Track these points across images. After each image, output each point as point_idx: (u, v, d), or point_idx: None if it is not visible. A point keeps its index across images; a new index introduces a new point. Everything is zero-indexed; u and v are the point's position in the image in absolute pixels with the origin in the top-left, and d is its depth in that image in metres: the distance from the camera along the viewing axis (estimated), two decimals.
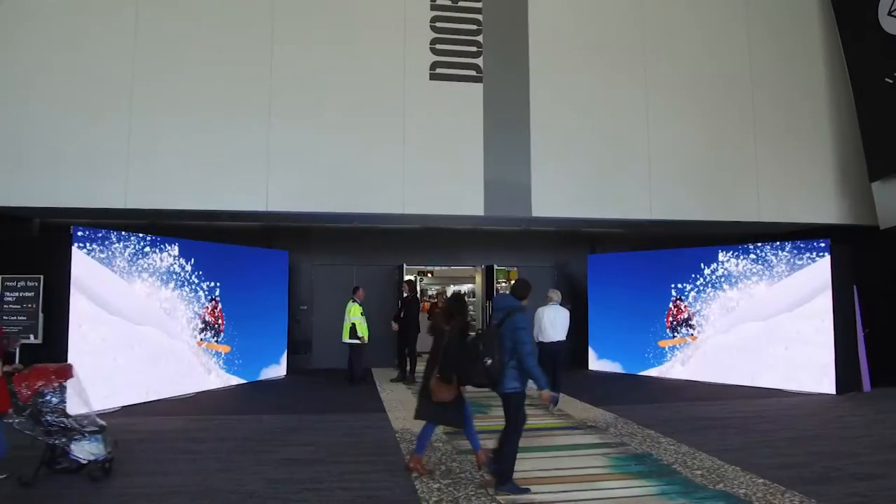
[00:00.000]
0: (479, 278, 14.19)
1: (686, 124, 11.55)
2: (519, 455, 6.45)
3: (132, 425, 7.87)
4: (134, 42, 10.17)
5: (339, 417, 8.52)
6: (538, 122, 11.10)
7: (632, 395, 10.34)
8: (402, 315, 11.80)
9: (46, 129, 9.89)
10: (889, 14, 10.43)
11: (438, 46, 10.99)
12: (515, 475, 5.50)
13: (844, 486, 5.56)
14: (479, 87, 11.02)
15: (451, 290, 22.64)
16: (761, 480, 5.71)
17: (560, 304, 9.37)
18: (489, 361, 5.30)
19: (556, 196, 11.10)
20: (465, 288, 23.17)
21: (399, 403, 9.60)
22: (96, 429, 5.80)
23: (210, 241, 10.75)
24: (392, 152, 10.71)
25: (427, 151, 10.78)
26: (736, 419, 8.39)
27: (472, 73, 11.04)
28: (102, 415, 8.27)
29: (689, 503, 5.21)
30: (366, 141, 10.68)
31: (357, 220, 12.19)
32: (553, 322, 9.17)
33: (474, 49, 11.09)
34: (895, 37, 10.38)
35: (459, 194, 10.84)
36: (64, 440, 5.59)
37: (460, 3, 11.10)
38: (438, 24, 11.02)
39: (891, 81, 10.52)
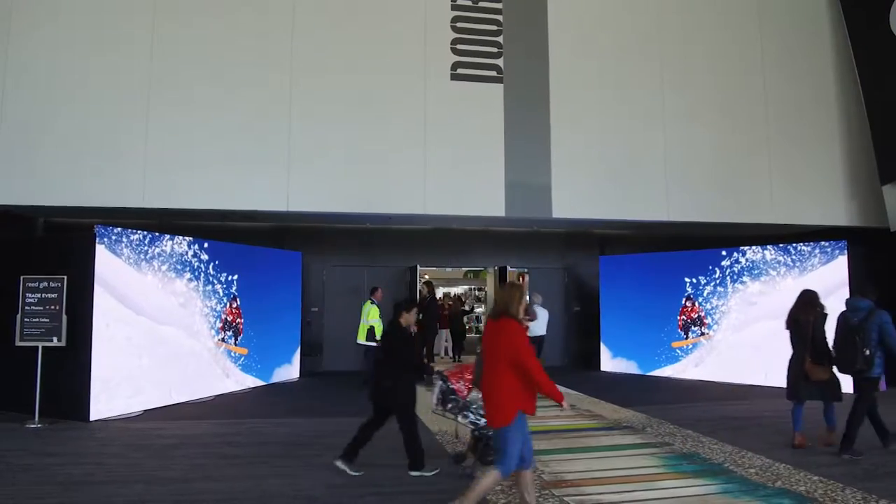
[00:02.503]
0: (490, 280, 14.17)
1: (702, 127, 11.66)
2: (569, 456, 6.60)
3: (161, 430, 7.71)
4: (152, 39, 9.97)
5: None
6: (558, 123, 11.11)
7: (654, 395, 10.38)
8: (420, 317, 11.71)
9: (61, 128, 9.67)
10: None
11: (459, 47, 10.95)
12: (567, 476, 5.80)
13: None
14: (499, 87, 11.00)
15: (439, 292, 22.58)
16: (816, 478, 5.76)
17: (541, 306, 11.66)
18: (867, 352, 6.50)
19: (576, 197, 11.12)
20: (455, 291, 23.04)
21: (426, 405, 9.49)
22: None
23: (220, 240, 10.54)
24: (413, 152, 10.64)
25: (448, 152, 10.73)
26: (767, 418, 8.47)
27: (493, 73, 11.01)
28: (124, 420, 8.16)
29: (754, 501, 5.23)
30: (387, 141, 10.60)
31: (378, 221, 12.05)
32: (538, 320, 11.43)
33: (495, 50, 11.07)
34: None
35: (481, 195, 10.81)
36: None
37: (480, 4, 11.08)
38: (459, 25, 10.98)
39: None
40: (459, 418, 6.02)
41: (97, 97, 9.77)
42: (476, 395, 5.98)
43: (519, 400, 4.37)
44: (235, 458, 6.43)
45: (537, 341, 11.37)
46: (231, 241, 10.80)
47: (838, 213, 11.88)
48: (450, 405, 6.05)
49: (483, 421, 5.87)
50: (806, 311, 6.95)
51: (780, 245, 11.12)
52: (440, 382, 6.14)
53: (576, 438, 7.36)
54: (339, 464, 5.92)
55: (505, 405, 4.36)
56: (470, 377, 6.00)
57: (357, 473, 5.84)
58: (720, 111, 11.75)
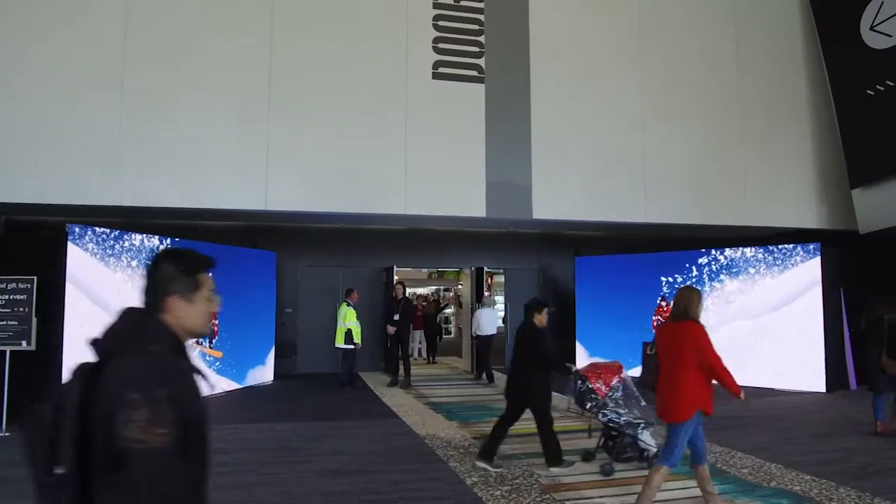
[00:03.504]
0: (467, 281, 14.11)
1: (679, 132, 11.75)
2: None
3: None
4: (125, 30, 9.57)
5: (355, 424, 8.25)
6: (538, 124, 11.05)
7: None
8: (396, 318, 11.53)
9: (25, 121, 9.18)
10: (871, 29, 10.92)
11: (441, 45, 10.81)
12: (565, 480, 5.78)
13: (888, 480, 5.73)
14: (481, 87, 10.89)
15: (408, 292, 22.18)
16: (808, 477, 5.83)
17: (489, 307, 12.56)
18: None
19: (556, 198, 11.07)
20: (420, 291, 22.72)
21: (409, 408, 9.38)
22: (644, 421, 6.21)
23: (193, 240, 10.17)
24: (394, 152, 10.44)
25: (429, 152, 10.56)
26: (749, 418, 8.57)
27: (475, 73, 10.90)
28: None
29: (753, 501, 5.26)
30: (367, 140, 10.37)
31: (354, 221, 11.82)
32: (488, 321, 12.09)
33: (476, 49, 10.97)
34: (877, 51, 10.88)
35: (462, 195, 10.67)
36: (631, 431, 6.11)
37: (462, 3, 10.96)
38: (441, 23, 10.84)
39: (871, 93, 11.02)
40: (599, 416, 6.23)
41: (65, 88, 9.31)
42: (614, 394, 6.28)
43: (701, 400, 4.64)
44: (222, 466, 6.16)
45: (485, 341, 12.05)
46: (203, 241, 10.46)
47: (810, 216, 12.14)
48: (589, 405, 6.27)
49: (624, 419, 6.16)
50: (885, 312, 7.47)
51: (759, 246, 11.34)
52: (578, 382, 6.33)
53: (568, 441, 7.28)
54: (480, 464, 6.09)
55: (685, 403, 4.60)
56: (607, 376, 6.29)
57: (499, 469, 6.01)
58: (697, 116, 11.87)
